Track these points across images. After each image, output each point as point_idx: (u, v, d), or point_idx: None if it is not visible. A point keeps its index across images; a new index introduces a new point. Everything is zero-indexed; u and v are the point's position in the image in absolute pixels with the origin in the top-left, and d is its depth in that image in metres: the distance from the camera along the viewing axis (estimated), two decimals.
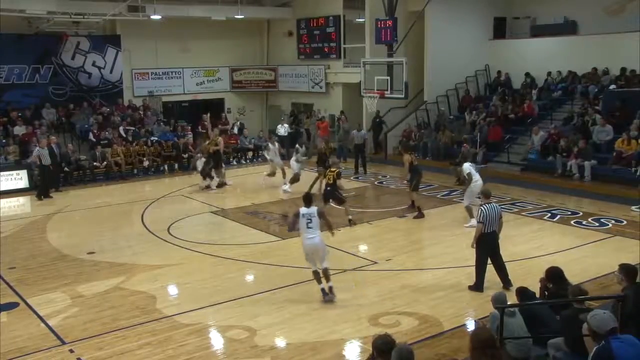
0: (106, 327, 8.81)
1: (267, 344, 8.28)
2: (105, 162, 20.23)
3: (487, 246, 9.82)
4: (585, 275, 10.29)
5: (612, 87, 19.68)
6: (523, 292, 7.44)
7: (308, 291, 10.02)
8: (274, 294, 9.96)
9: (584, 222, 13.89)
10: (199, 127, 24.05)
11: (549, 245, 12.20)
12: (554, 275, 7.69)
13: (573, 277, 9.85)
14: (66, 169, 19.40)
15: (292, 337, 8.45)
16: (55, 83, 23.37)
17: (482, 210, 9.80)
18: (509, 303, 7.13)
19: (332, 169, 14.27)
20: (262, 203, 16.47)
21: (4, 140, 20.36)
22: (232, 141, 23.59)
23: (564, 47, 22.05)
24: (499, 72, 23.84)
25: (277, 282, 10.46)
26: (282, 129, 24.30)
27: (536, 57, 22.59)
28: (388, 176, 20.11)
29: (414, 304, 9.44)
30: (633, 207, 14.66)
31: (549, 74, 22.30)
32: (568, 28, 22.27)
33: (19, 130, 20.82)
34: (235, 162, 23.11)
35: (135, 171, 20.87)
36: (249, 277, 11.14)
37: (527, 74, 22.79)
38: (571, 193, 16.67)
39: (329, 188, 14.13)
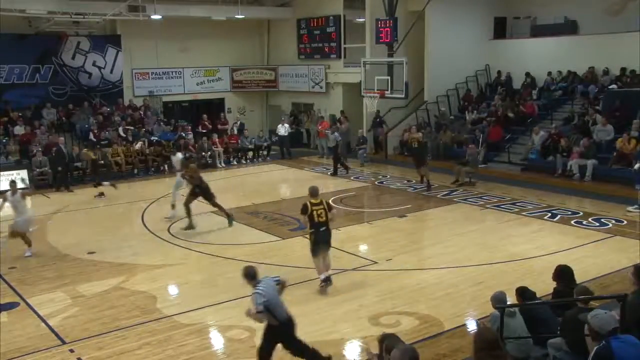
0: (106, 327, 8.82)
1: None
2: (105, 162, 20.23)
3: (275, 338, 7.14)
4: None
5: (613, 87, 19.69)
6: (523, 292, 7.43)
7: (308, 291, 10.02)
8: None
9: (584, 222, 13.87)
10: (199, 127, 24.12)
11: (549, 245, 12.19)
12: (564, 274, 7.64)
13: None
14: (59, 168, 19.31)
15: None
16: (56, 83, 23.35)
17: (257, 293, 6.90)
18: (509, 303, 7.12)
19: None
20: (262, 203, 16.47)
21: (4, 140, 20.36)
22: (233, 141, 23.61)
23: (564, 47, 22.05)
24: (499, 72, 23.85)
25: None
26: (283, 129, 24.31)
27: (536, 57, 22.59)
28: (388, 176, 20.10)
29: (414, 303, 9.45)
30: (629, 208, 14.59)
31: (549, 73, 22.32)
32: (568, 28, 22.26)
33: (19, 130, 20.82)
34: (235, 162, 23.14)
35: (136, 171, 20.93)
36: None
37: (528, 74, 22.80)
38: (571, 193, 16.66)
39: None
